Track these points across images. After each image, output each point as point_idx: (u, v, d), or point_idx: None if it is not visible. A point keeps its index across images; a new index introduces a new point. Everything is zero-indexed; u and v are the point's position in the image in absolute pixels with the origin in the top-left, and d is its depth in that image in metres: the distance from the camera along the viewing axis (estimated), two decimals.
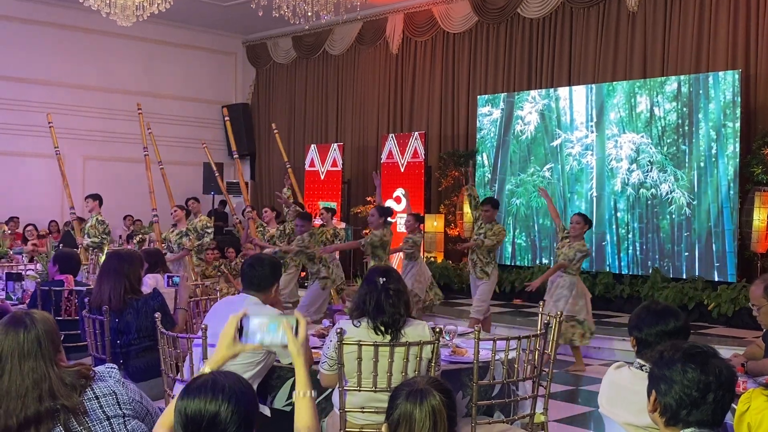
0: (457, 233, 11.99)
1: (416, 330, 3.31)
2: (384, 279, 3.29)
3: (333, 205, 12.23)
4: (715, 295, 8.70)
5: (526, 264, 10.74)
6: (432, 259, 11.15)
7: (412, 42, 13.29)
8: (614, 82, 10.25)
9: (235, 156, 9.72)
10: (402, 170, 12.07)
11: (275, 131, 10.30)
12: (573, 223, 7.01)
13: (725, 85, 9.06)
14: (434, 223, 11.79)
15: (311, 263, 8.08)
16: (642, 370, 2.48)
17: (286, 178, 10.62)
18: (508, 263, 10.98)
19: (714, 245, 9.07)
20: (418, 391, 1.85)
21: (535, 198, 10.78)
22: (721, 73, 9.18)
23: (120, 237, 12.73)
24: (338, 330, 3.23)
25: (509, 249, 11.05)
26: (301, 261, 8.05)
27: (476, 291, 7.54)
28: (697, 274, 9.16)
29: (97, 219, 8.90)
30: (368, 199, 13.03)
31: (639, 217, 9.77)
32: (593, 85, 10.37)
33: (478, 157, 11.48)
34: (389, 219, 7.82)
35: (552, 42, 11.34)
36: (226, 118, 10.01)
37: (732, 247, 8.90)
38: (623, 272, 9.84)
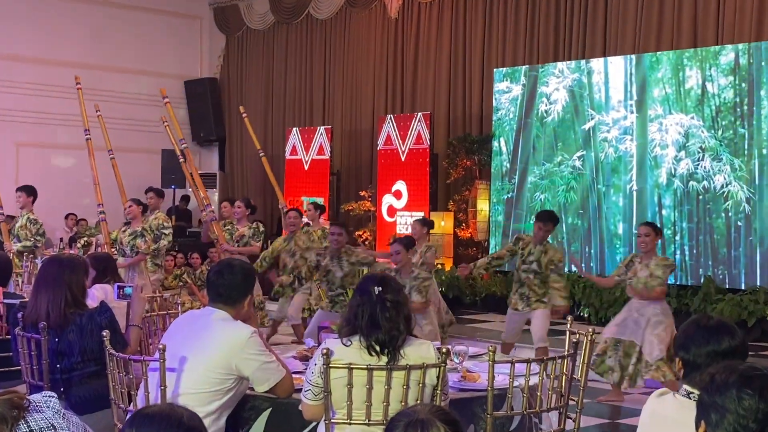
0: (469, 235, 12.01)
1: (419, 350, 3.31)
2: (380, 288, 3.30)
3: (320, 200, 12.25)
4: None
5: None
6: (439, 266, 11.15)
7: (415, 3, 13.30)
8: (658, 53, 10.27)
9: (183, 145, 9.63)
10: (402, 159, 12.09)
11: (244, 114, 10.29)
12: (642, 236, 6.92)
13: None
14: (441, 223, 11.81)
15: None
16: (689, 398, 2.48)
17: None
18: None
19: None
20: (418, 422, 1.86)
21: (562, 192, 10.80)
22: None
23: (61, 240, 12.73)
24: (324, 351, 3.23)
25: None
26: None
27: (515, 321, 7.53)
28: (758, 284, 9.18)
29: (28, 218, 8.89)
30: (362, 193, 13.05)
31: (688, 215, 9.79)
32: (633, 56, 10.39)
33: (495, 143, 11.49)
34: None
35: (584, 2, 11.36)
36: (166, 100, 9.87)
37: None
38: (669, 282, 9.84)
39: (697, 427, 1.95)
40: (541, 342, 7.35)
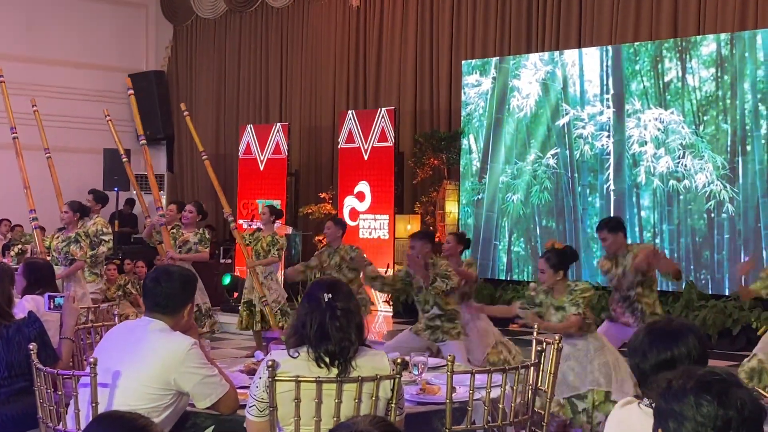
0: (437, 240, 12.03)
1: (372, 361, 3.32)
2: (330, 295, 3.31)
3: (277, 203, 12.21)
4: (766, 316, 8.84)
5: (525, 278, 10.83)
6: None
7: None
8: (636, 43, 10.39)
9: (142, 142, 9.62)
10: (365, 157, 12.11)
11: (185, 113, 10.25)
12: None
13: None
14: (408, 227, 11.84)
15: None
16: (652, 407, 2.52)
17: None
18: (503, 278, 11.06)
19: (765, 251, 9.23)
20: None
21: (536, 194, 10.88)
22: None
23: None
24: (269, 362, 3.24)
25: (504, 259, 11.13)
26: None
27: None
28: None
29: None
30: (322, 195, 13.05)
31: (668, 216, 9.90)
32: (609, 47, 10.51)
33: (464, 140, 11.56)
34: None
35: None
36: (130, 91, 9.91)
37: None
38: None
39: None
40: None
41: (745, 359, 5.93)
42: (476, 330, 6.94)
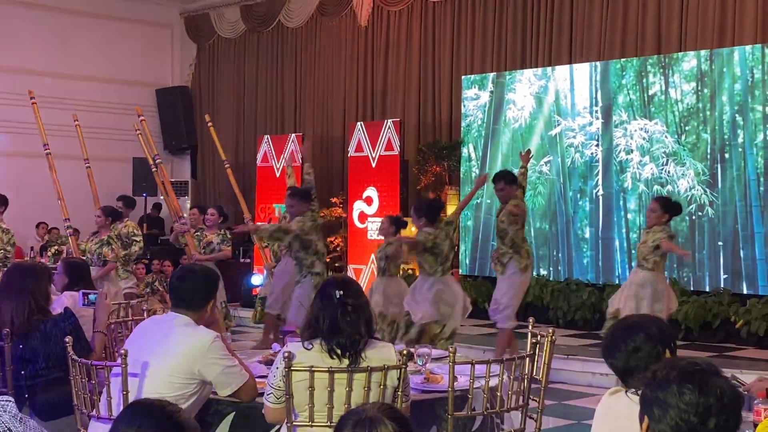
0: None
1: (380, 353, 3.33)
2: (341, 292, 3.32)
3: None
4: (744, 310, 8.82)
5: None
6: (410, 271, 11.17)
7: (384, 12, 13.35)
8: (623, 59, 10.38)
9: (158, 161, 9.62)
10: (373, 165, 12.12)
11: (209, 124, 10.27)
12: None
13: (753, 61, 9.21)
14: (412, 229, 11.81)
15: (305, 252, 8.02)
16: (638, 395, 2.53)
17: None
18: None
19: (742, 251, 9.21)
20: (366, 420, 1.87)
21: (530, 197, 10.85)
22: (748, 48, 9.33)
23: (32, 249, 12.63)
24: (286, 354, 3.24)
25: None
26: (291, 248, 7.90)
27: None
28: (722, 286, 9.29)
29: (0, 227, 8.82)
30: (333, 200, 13.05)
31: None
32: (598, 63, 10.49)
33: (464, 149, 11.55)
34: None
35: (550, 11, 11.45)
36: (141, 118, 9.90)
37: (763, 254, 9.04)
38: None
39: (641, 422, 1.99)
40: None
41: None
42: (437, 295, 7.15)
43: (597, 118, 10.34)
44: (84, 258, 8.31)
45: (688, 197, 9.57)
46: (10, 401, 2.24)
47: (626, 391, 2.66)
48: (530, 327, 4.19)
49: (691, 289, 9.48)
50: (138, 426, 1.87)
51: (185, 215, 9.12)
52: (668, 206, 7.04)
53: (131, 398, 3.35)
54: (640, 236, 7.26)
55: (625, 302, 6.85)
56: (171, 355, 3.44)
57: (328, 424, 3.25)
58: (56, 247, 11.36)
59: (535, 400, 3.99)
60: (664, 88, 9.85)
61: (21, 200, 12.61)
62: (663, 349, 2.67)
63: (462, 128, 11.65)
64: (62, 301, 4.77)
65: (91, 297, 4.30)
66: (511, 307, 7.56)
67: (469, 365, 3.58)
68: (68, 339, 3.74)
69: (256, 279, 11.53)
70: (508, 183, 7.63)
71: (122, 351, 3.38)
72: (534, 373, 3.90)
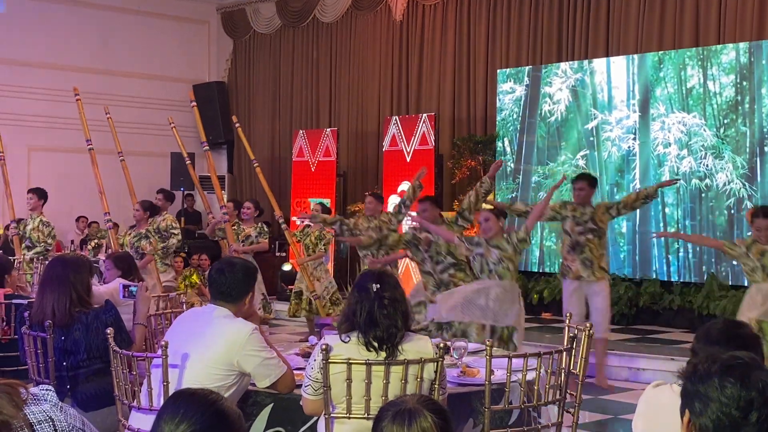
0: (474, 234, 11.99)
1: (417, 345, 3.33)
2: (378, 285, 3.32)
3: (327, 201, 12.27)
4: None
5: (556, 270, 10.74)
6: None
7: (419, 6, 13.32)
8: (660, 52, 10.26)
9: (204, 148, 9.73)
10: (408, 160, 12.11)
11: (237, 125, 10.34)
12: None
13: None
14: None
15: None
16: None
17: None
18: (536, 270, 10.99)
19: None
20: (406, 412, 1.88)
21: (567, 192, 10.77)
22: None
23: (72, 242, 12.82)
24: (323, 346, 3.26)
25: (536, 254, 11.06)
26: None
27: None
28: None
29: (40, 221, 8.94)
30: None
31: (691, 213, 9.77)
32: (635, 56, 10.38)
33: (499, 143, 11.50)
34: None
35: (587, 3, 11.35)
36: (193, 104, 10.02)
37: None
38: (673, 279, 9.84)
39: (682, 416, 1.97)
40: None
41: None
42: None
43: (634, 112, 10.24)
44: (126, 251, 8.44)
45: (727, 191, 9.44)
46: (50, 390, 2.27)
47: (670, 384, 2.64)
48: (567, 321, 4.17)
49: (730, 283, 9.36)
50: (182, 414, 1.90)
51: (225, 206, 9.20)
52: None
53: (171, 389, 3.39)
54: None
55: None
56: (210, 346, 3.47)
57: (366, 416, 3.26)
58: (96, 241, 11.51)
59: (572, 395, 3.97)
60: (702, 80, 9.73)
61: (62, 194, 12.81)
62: None
63: (497, 122, 11.60)
64: (112, 286, 4.99)
65: (132, 289, 4.35)
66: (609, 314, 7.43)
67: (506, 359, 3.57)
68: (109, 330, 3.79)
69: (287, 266, 11.67)
70: (591, 185, 7.43)
71: (162, 342, 3.41)
72: (571, 368, 3.87)
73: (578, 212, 7.28)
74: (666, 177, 9.90)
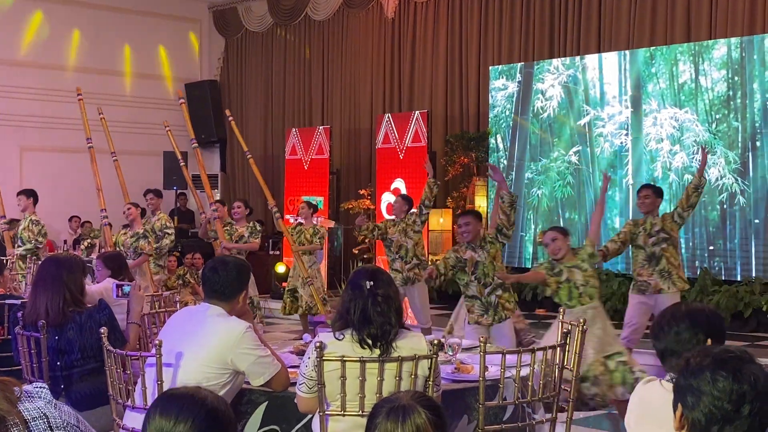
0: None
1: (411, 342, 3.34)
2: (371, 283, 3.32)
3: (320, 200, 12.27)
4: None
5: None
6: (438, 262, 11.18)
7: (411, 3, 13.32)
8: (652, 48, 10.28)
9: (194, 145, 9.70)
10: (401, 157, 12.11)
11: (230, 118, 10.34)
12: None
13: None
14: (440, 220, 11.82)
15: None
16: (673, 382, 2.51)
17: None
18: (528, 266, 11.01)
19: None
20: (400, 408, 1.88)
21: (560, 188, 10.81)
22: None
23: (65, 242, 12.78)
24: (317, 344, 3.26)
25: (529, 249, 11.09)
26: None
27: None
28: (754, 275, 9.20)
29: (30, 220, 8.95)
30: (361, 192, 13.07)
31: None
32: (627, 52, 10.40)
33: (491, 140, 11.52)
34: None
35: (578, 0, 11.36)
36: (181, 101, 9.99)
37: None
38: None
39: (675, 410, 1.98)
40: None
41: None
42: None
43: (626, 107, 10.26)
44: (119, 250, 8.42)
45: (719, 186, 9.47)
46: (44, 387, 2.26)
47: (660, 380, 2.65)
48: (560, 317, 4.18)
49: (723, 278, 9.39)
50: (176, 414, 1.89)
51: (215, 201, 9.18)
52: None
53: (166, 388, 3.39)
54: None
55: None
56: (204, 345, 3.47)
57: (360, 413, 3.26)
58: (89, 241, 11.46)
59: (567, 390, 3.98)
60: (694, 76, 9.75)
61: (54, 194, 12.77)
62: (705, 338, 2.66)
63: (489, 119, 11.61)
64: (104, 285, 4.96)
65: (125, 288, 4.34)
66: None
67: (500, 355, 3.57)
68: (103, 330, 3.78)
69: (280, 267, 11.65)
70: (656, 194, 7.09)
71: (157, 341, 3.41)
72: (564, 363, 3.88)
73: (648, 224, 6.90)
74: (659, 173, 9.94)
